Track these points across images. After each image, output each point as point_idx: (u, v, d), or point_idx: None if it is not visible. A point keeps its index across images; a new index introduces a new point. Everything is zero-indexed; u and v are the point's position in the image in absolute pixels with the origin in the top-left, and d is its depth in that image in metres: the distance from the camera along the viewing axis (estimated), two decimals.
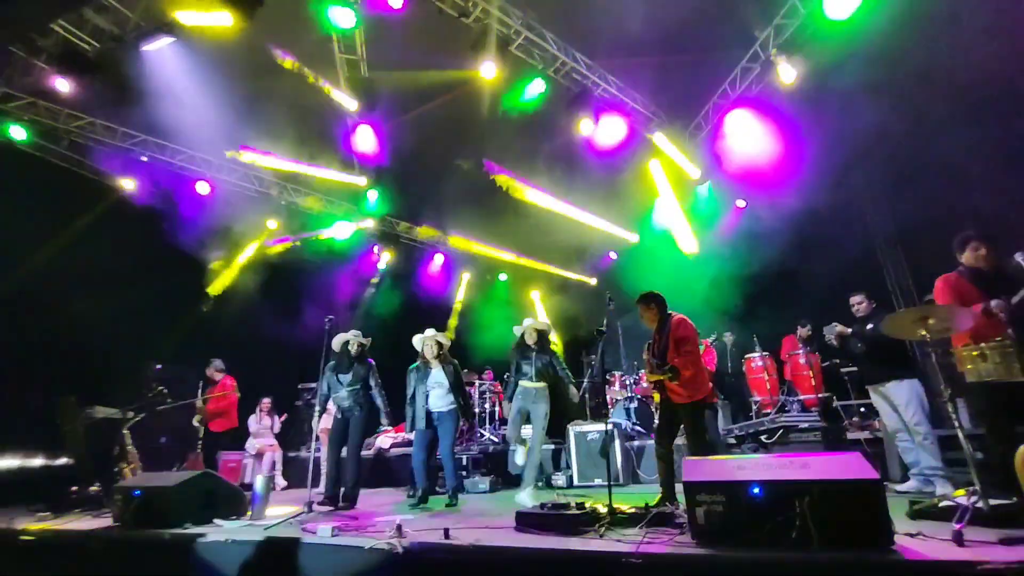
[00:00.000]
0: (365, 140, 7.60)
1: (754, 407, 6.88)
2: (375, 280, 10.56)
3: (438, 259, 11.37)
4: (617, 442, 6.03)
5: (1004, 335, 3.04)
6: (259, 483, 4.43)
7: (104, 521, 4.32)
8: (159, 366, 6.94)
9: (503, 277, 12.22)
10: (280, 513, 4.28)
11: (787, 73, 6.32)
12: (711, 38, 6.37)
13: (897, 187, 7.49)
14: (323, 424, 5.87)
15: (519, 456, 5.10)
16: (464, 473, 6.55)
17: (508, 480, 6.63)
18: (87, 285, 6.65)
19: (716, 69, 7.24)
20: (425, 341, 5.17)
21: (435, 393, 5.04)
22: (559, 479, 6.16)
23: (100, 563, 3.71)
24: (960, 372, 3.35)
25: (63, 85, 5.67)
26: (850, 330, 4.79)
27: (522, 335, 5.21)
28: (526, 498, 4.51)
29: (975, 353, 3.16)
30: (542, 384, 5.02)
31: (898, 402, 4.35)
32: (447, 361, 5.17)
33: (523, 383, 5.04)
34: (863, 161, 7.82)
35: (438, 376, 5.08)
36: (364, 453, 7.53)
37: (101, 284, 6.71)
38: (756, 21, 6.44)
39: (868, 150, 7.40)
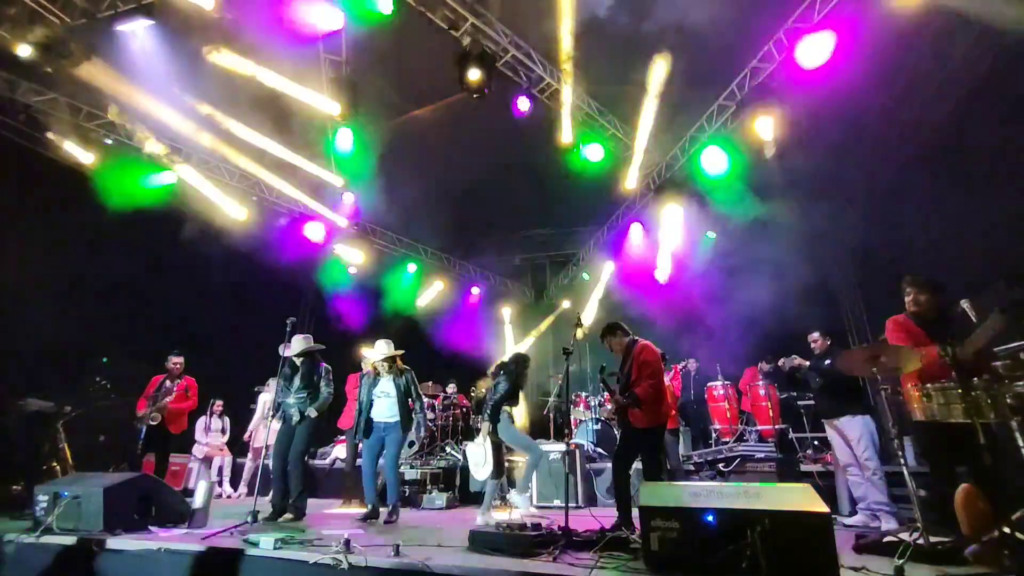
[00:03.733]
0: (345, 141, 7.50)
1: (714, 435, 6.99)
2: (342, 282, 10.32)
3: (411, 267, 11.24)
4: (578, 464, 6.00)
5: (949, 377, 3.17)
6: (201, 489, 4.20)
7: (23, 524, 3.98)
8: (106, 359, 6.56)
9: (476, 291, 12.18)
10: (222, 522, 4.05)
11: (760, 116, 6.63)
12: (690, 74, 6.60)
13: (858, 230, 7.86)
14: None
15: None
16: (415, 488, 6.39)
17: (466, 497, 6.51)
18: (30, 267, 6.24)
19: (694, 103, 7.49)
20: (378, 354, 5.00)
21: (381, 403, 4.88)
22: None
23: (13, 572, 3.42)
24: (908, 411, 3.48)
25: (24, 51, 5.37)
26: (808, 363, 4.94)
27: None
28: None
29: (921, 393, 3.29)
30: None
31: (851, 437, 4.48)
32: (399, 372, 4.99)
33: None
34: (827, 202, 8.19)
35: (385, 386, 4.92)
36: (320, 463, 7.31)
37: (47, 268, 6.32)
38: (733, 62, 6.74)
39: (831, 192, 7.77)
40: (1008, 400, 2.99)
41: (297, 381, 4.88)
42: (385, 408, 4.87)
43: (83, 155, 7.01)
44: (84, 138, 7.04)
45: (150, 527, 3.84)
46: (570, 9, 5.85)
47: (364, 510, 4.77)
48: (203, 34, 5.63)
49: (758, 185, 7.69)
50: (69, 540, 3.49)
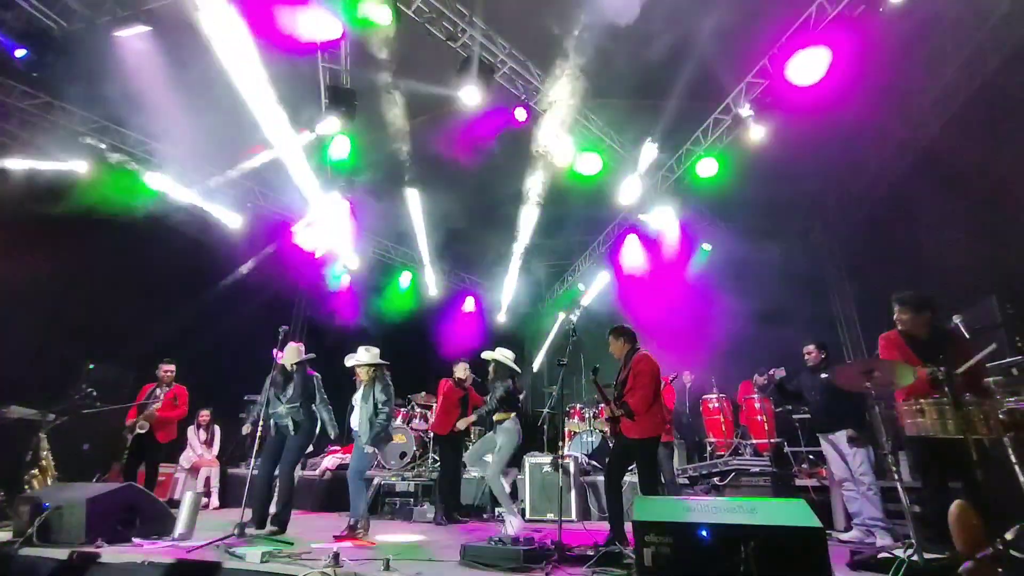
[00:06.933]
0: (342, 149, 7.50)
1: (709, 448, 6.96)
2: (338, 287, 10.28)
3: (406, 276, 11.23)
4: (572, 477, 5.94)
5: (942, 392, 3.17)
6: (187, 500, 4.12)
7: (3, 535, 3.89)
8: (92, 365, 6.45)
9: (472, 300, 12.16)
10: (208, 534, 3.97)
11: (756, 131, 6.70)
12: (687, 87, 6.68)
13: (853, 243, 7.93)
14: None
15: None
16: (407, 500, 6.32)
17: (458, 509, 6.41)
18: (15, 272, 6.15)
19: (690, 117, 7.56)
20: (351, 360, 4.95)
21: (356, 411, 4.85)
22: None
23: None
24: (902, 425, 3.47)
25: (20, 55, 5.36)
26: (783, 373, 4.96)
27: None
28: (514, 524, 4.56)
29: (915, 408, 3.29)
30: (499, 416, 4.99)
31: (846, 451, 4.47)
32: (377, 381, 4.88)
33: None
34: (822, 216, 8.28)
35: (360, 394, 4.89)
36: (309, 474, 7.20)
37: (32, 272, 6.23)
38: (729, 77, 6.82)
39: (826, 207, 7.85)
40: (1000, 416, 2.99)
41: (290, 390, 4.81)
42: (355, 417, 4.84)
43: (74, 159, 6.96)
44: (76, 142, 7.00)
45: (134, 539, 3.75)
46: (568, 21, 5.92)
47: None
48: (199, 41, 5.62)
49: (753, 198, 7.75)
50: (50, 552, 3.40)
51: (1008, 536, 2.66)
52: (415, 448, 7.64)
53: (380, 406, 4.72)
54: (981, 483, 2.94)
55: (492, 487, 4.86)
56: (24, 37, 5.41)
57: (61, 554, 3.35)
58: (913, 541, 2.89)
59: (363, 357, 4.90)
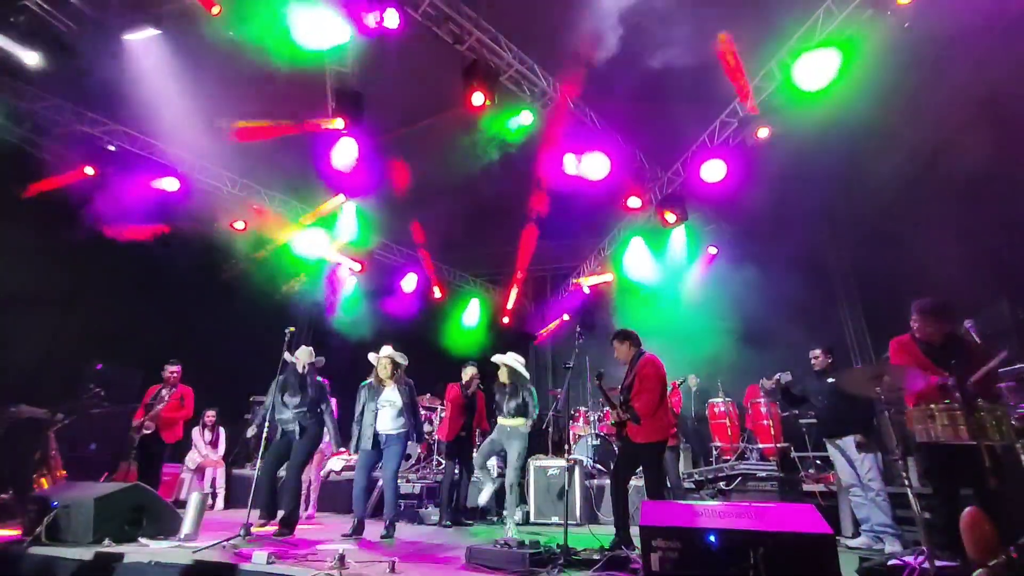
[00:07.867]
0: (345, 153, 7.51)
1: (715, 452, 6.92)
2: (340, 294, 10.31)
3: (411, 278, 11.22)
4: (577, 480, 5.92)
5: (952, 398, 3.14)
6: (193, 500, 4.13)
7: (12, 534, 3.91)
8: (100, 365, 6.49)
9: (476, 303, 12.16)
10: (214, 535, 3.98)
11: (762, 132, 6.67)
12: (694, 90, 6.66)
13: (860, 247, 7.87)
14: None
15: (483, 495, 5.01)
16: (412, 502, 6.31)
17: (463, 512, 6.40)
18: (26, 273, 6.21)
19: (697, 120, 7.55)
20: (380, 359, 4.93)
21: (385, 413, 4.77)
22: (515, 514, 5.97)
23: None
24: (912, 431, 3.43)
25: (31, 58, 5.43)
26: (788, 378, 4.92)
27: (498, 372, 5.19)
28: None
29: (925, 414, 3.25)
30: (517, 421, 4.94)
31: (854, 456, 4.43)
32: (402, 381, 4.92)
33: (499, 420, 5.01)
34: (829, 220, 8.23)
35: (390, 395, 4.82)
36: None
37: (43, 273, 6.29)
38: (736, 79, 6.79)
39: (834, 210, 7.79)
40: (1012, 421, 2.95)
41: (300, 395, 4.78)
42: (389, 418, 4.76)
43: (84, 162, 7.04)
44: (87, 144, 7.06)
45: (140, 539, 3.77)
46: (574, 24, 5.93)
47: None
48: (208, 44, 5.67)
49: (759, 201, 7.70)
50: (57, 551, 3.42)
51: (1021, 543, 2.62)
52: (420, 450, 7.64)
53: (417, 407, 4.95)
54: (994, 490, 2.90)
55: (512, 491, 4.77)
56: (34, 40, 5.47)
57: (71, 553, 3.37)
58: (924, 548, 2.86)
59: (396, 356, 4.94)
